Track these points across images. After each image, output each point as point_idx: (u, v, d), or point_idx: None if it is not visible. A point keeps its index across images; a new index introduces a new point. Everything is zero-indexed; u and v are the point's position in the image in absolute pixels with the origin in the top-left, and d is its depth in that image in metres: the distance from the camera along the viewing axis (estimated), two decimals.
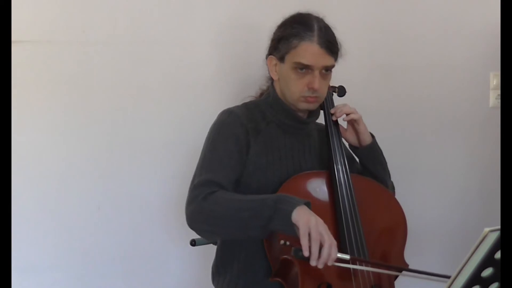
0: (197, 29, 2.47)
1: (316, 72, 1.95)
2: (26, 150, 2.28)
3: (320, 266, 1.72)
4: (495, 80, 2.82)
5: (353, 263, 1.83)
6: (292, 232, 1.75)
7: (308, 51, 1.94)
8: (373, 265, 1.90)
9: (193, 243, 2.18)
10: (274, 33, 2.03)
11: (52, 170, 2.33)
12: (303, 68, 1.95)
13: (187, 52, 2.46)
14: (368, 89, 2.68)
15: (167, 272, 2.48)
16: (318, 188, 1.98)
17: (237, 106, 2.07)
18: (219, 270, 2.06)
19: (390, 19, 2.72)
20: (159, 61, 2.43)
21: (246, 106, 2.08)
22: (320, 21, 1.99)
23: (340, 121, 2.08)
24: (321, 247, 1.72)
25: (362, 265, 1.88)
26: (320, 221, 1.74)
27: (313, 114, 2.10)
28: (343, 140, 2.09)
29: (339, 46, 2.01)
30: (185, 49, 2.46)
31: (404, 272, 1.92)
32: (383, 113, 2.69)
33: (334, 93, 2.16)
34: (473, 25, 2.80)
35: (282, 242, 1.75)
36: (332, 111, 2.06)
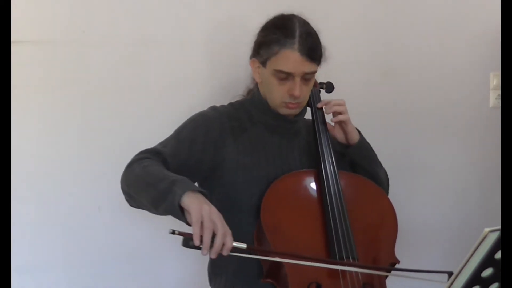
0: (195, 29, 2.47)
1: (297, 79, 1.94)
2: (26, 150, 2.28)
3: (213, 256, 1.67)
4: (495, 80, 2.82)
5: (251, 253, 1.76)
6: (182, 218, 1.70)
7: (289, 58, 1.92)
8: (276, 255, 1.83)
9: None
10: (257, 36, 2.03)
11: (52, 170, 2.33)
12: (284, 77, 1.94)
13: (186, 52, 2.46)
14: (368, 89, 2.68)
15: (166, 272, 2.48)
16: (307, 187, 1.98)
17: (223, 105, 2.09)
18: (214, 271, 2.06)
19: (390, 19, 2.71)
20: (159, 61, 2.43)
21: (233, 106, 2.09)
22: (302, 25, 1.96)
23: (328, 118, 2.08)
24: (214, 236, 1.66)
25: (266, 255, 1.83)
26: (214, 209, 1.68)
27: (300, 112, 2.09)
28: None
29: (321, 51, 1.98)
30: (184, 49, 2.46)
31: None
32: (383, 113, 2.69)
33: (321, 89, 2.15)
34: (473, 25, 2.79)
35: (170, 230, 1.65)
36: (323, 103, 2.05)
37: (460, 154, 2.83)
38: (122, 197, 2.39)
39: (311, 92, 2.08)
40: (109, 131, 2.39)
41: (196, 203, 1.67)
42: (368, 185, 2.05)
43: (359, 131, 2.09)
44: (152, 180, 1.77)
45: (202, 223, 1.65)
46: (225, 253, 1.67)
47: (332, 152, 2.01)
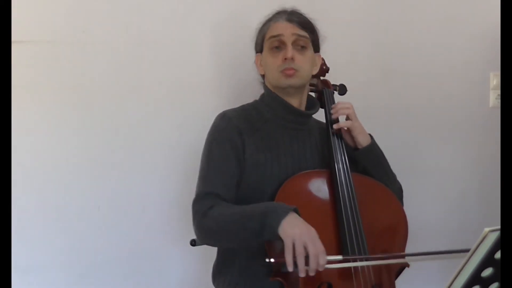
0: (197, 30, 2.47)
1: (289, 44, 2.01)
2: (26, 150, 2.28)
3: (311, 274, 1.74)
4: (495, 80, 2.82)
5: (347, 261, 1.84)
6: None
7: (277, 26, 2.04)
8: (371, 259, 1.91)
9: (193, 243, 2.18)
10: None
11: (52, 170, 2.33)
12: (277, 46, 2.02)
13: (187, 52, 2.46)
14: (368, 90, 2.68)
15: (167, 272, 2.48)
16: (319, 187, 1.98)
17: (233, 109, 2.10)
18: (220, 270, 2.06)
19: (391, 19, 2.72)
20: (159, 61, 2.43)
21: (243, 107, 2.11)
22: (293, 9, 2.08)
23: (342, 119, 2.09)
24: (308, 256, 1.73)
25: (357, 261, 1.89)
26: (305, 230, 1.74)
27: (312, 107, 2.11)
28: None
29: (312, 25, 2.07)
30: (185, 50, 2.46)
31: (408, 258, 1.96)
32: (383, 113, 2.69)
33: (335, 91, 2.17)
34: (473, 25, 2.79)
35: (267, 260, 1.77)
36: (332, 110, 2.07)
37: (460, 154, 2.83)
38: (122, 197, 2.40)
39: (325, 92, 2.12)
40: (109, 131, 2.39)
41: (287, 231, 1.74)
42: (380, 188, 2.05)
43: (372, 137, 2.10)
44: (239, 226, 1.84)
45: (295, 247, 1.73)
46: (321, 269, 1.75)
47: (345, 153, 2.03)
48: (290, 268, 1.72)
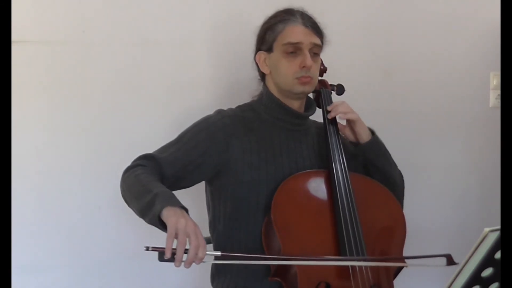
0: (196, 29, 2.47)
1: (306, 51, 1.99)
2: (26, 150, 2.28)
3: (186, 266, 1.69)
4: (495, 80, 2.82)
5: (225, 258, 1.81)
6: (164, 231, 1.73)
7: (295, 31, 2.00)
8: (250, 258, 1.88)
9: None
10: (259, 30, 2.08)
11: (52, 170, 2.33)
12: (293, 51, 1.99)
13: (186, 52, 2.47)
14: (368, 89, 2.68)
15: (167, 272, 2.48)
16: (317, 187, 1.98)
17: (231, 108, 2.10)
18: (218, 270, 2.06)
19: (391, 19, 2.72)
20: (159, 61, 2.44)
21: (240, 108, 2.10)
22: (301, 9, 2.06)
23: (339, 119, 2.08)
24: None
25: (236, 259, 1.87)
26: (190, 222, 1.70)
27: (309, 108, 2.11)
28: (343, 136, 2.09)
29: (322, 31, 2.05)
30: (184, 49, 2.46)
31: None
32: (383, 113, 2.69)
33: (332, 91, 2.17)
34: (473, 25, 2.80)
35: (144, 248, 1.70)
36: (328, 108, 2.07)
37: (460, 154, 2.83)
38: (122, 197, 2.40)
39: (322, 92, 2.11)
40: (109, 131, 2.39)
41: (172, 217, 1.70)
42: (378, 188, 2.04)
43: (373, 132, 2.10)
44: (140, 192, 1.83)
45: (177, 236, 1.68)
46: (197, 263, 1.70)
47: (343, 153, 2.02)
48: (168, 254, 1.66)
